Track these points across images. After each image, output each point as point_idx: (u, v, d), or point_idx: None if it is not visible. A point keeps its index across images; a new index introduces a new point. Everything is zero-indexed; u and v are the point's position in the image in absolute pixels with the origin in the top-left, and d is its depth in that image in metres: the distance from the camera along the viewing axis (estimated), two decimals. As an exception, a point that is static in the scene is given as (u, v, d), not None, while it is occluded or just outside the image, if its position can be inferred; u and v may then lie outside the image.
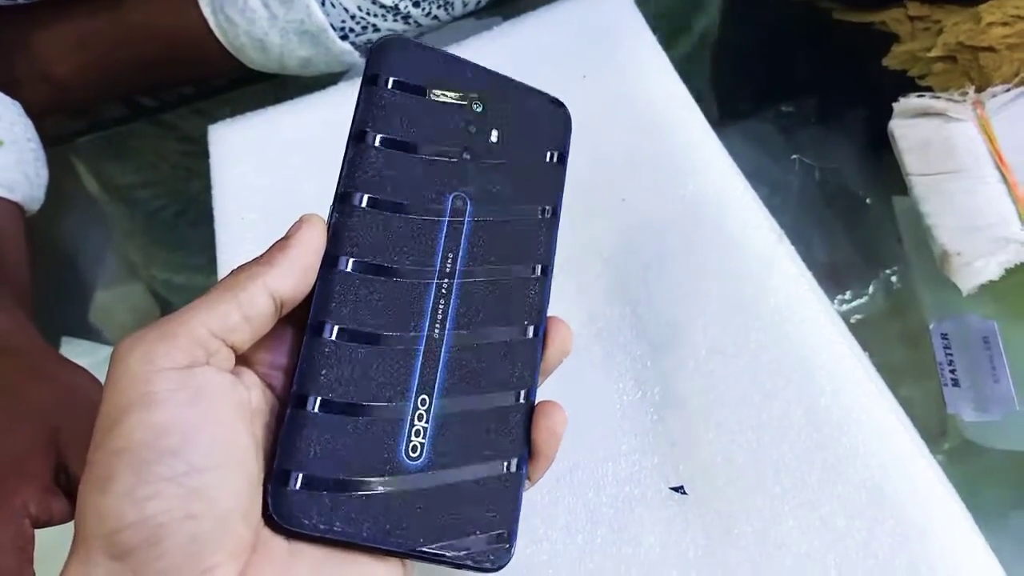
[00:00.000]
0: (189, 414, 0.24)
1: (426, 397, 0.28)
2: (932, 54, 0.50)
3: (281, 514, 0.25)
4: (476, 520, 0.28)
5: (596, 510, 0.38)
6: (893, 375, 0.39)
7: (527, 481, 0.29)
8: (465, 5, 0.59)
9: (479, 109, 0.31)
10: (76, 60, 0.59)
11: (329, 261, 0.28)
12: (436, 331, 0.29)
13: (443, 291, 0.29)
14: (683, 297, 0.42)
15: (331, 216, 0.29)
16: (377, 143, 0.29)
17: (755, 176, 0.46)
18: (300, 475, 0.26)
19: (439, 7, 0.57)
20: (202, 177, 0.53)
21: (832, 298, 0.42)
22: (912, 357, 0.45)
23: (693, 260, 0.43)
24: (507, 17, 0.56)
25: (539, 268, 0.31)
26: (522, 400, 0.29)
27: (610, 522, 0.37)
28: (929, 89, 0.49)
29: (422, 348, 0.28)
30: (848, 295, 0.49)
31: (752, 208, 0.44)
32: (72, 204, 0.68)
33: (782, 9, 0.62)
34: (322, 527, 0.26)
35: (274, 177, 0.52)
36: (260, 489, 0.26)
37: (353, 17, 0.56)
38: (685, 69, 0.50)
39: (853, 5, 0.55)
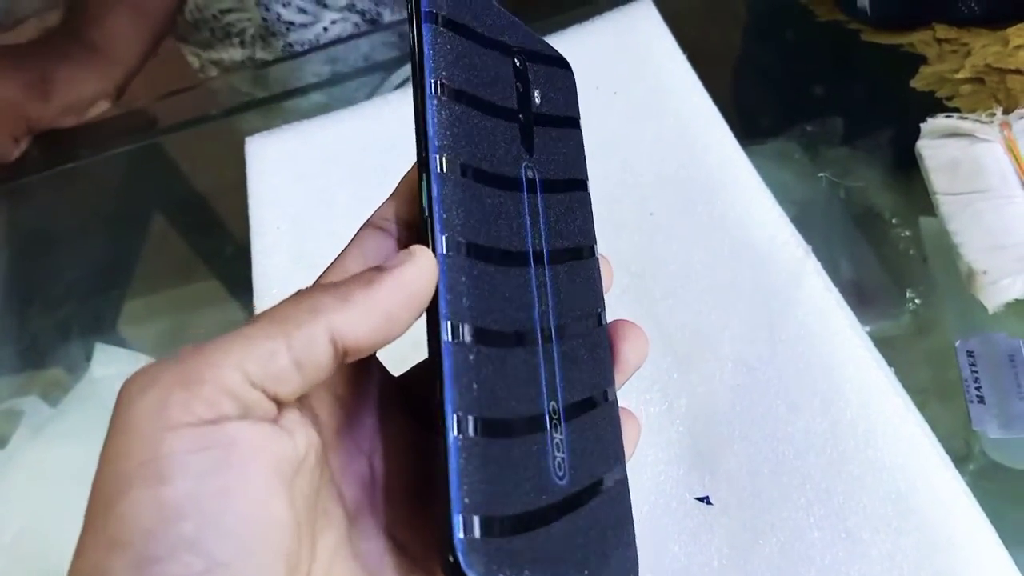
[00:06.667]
0: (210, 487, 0.18)
1: (555, 404, 0.25)
2: (960, 76, 0.51)
3: (476, 568, 0.20)
4: (608, 537, 0.24)
5: (622, 518, 0.38)
6: (917, 396, 0.39)
7: None
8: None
9: (521, 65, 0.28)
10: None
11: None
12: (545, 321, 0.25)
13: (541, 281, 0.26)
14: (710, 310, 0.42)
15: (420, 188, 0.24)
16: (452, 98, 0.25)
17: (781, 195, 0.46)
18: (478, 517, 0.20)
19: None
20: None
21: (857, 317, 0.42)
22: (937, 378, 0.45)
23: (720, 274, 0.43)
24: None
25: (590, 250, 0.29)
26: (610, 398, 0.27)
27: (636, 530, 0.38)
28: (956, 110, 0.50)
29: (540, 349, 0.25)
30: (873, 314, 0.49)
31: (779, 224, 0.44)
32: (109, 214, 0.70)
33: (806, 28, 0.62)
34: None
35: (308, 187, 0.53)
36: (300, 571, 0.20)
37: None
38: (708, 87, 0.51)
39: (882, 27, 0.56)
